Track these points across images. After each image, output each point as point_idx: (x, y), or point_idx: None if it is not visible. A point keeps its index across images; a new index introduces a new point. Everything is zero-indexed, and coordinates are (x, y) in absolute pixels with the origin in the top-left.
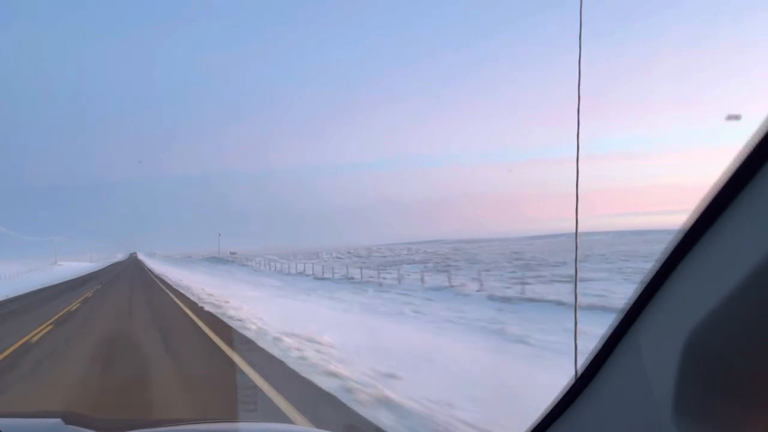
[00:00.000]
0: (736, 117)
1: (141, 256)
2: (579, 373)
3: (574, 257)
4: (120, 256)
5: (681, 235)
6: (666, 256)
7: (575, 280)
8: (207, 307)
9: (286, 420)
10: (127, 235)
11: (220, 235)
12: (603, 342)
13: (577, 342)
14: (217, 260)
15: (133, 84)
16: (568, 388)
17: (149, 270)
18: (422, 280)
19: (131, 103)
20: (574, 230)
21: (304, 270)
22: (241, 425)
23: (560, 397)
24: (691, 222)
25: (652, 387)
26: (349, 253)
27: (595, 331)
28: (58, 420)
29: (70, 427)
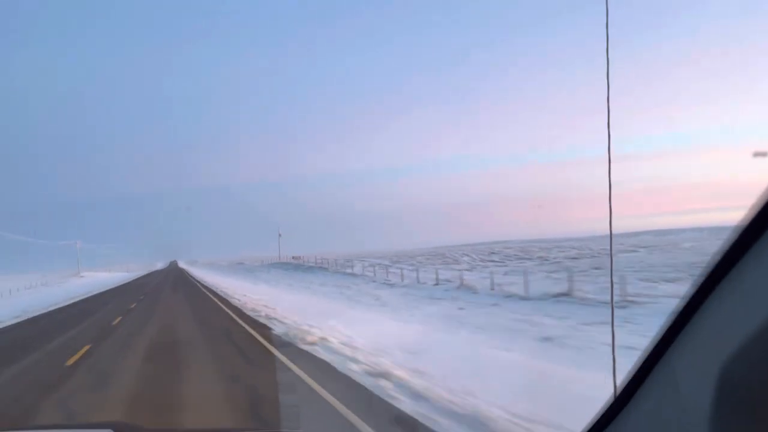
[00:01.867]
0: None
1: (182, 264)
2: (618, 392)
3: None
4: (160, 265)
5: (718, 257)
6: (704, 277)
7: (611, 288)
8: None
9: None
10: (167, 243)
11: (280, 235)
12: (641, 361)
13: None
14: (285, 267)
15: (168, 91)
16: (607, 407)
17: (199, 283)
18: None
19: (176, 111)
20: (610, 231)
21: (466, 281)
22: None
23: (599, 416)
24: (729, 244)
25: (687, 412)
26: (442, 255)
27: None
28: (109, 431)
29: None
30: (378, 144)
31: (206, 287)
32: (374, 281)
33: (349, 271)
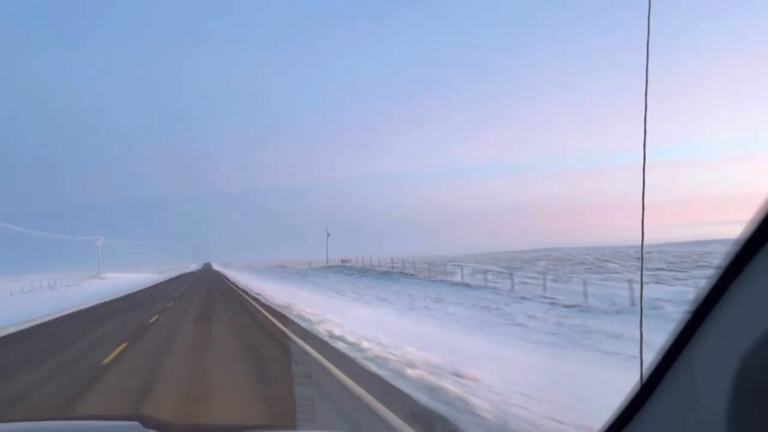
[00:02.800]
0: None
1: (216, 266)
2: (644, 380)
3: None
4: (194, 266)
5: (736, 250)
6: (723, 271)
7: (641, 287)
8: None
9: None
10: (200, 244)
11: (329, 235)
12: (662, 355)
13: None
14: (344, 271)
15: (202, 92)
16: (633, 395)
17: (247, 294)
18: None
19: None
20: (641, 240)
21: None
22: None
23: (626, 405)
24: (748, 236)
25: (705, 407)
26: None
27: None
28: (136, 423)
29: (148, 430)
30: (414, 148)
31: (263, 302)
32: (523, 297)
33: (451, 278)
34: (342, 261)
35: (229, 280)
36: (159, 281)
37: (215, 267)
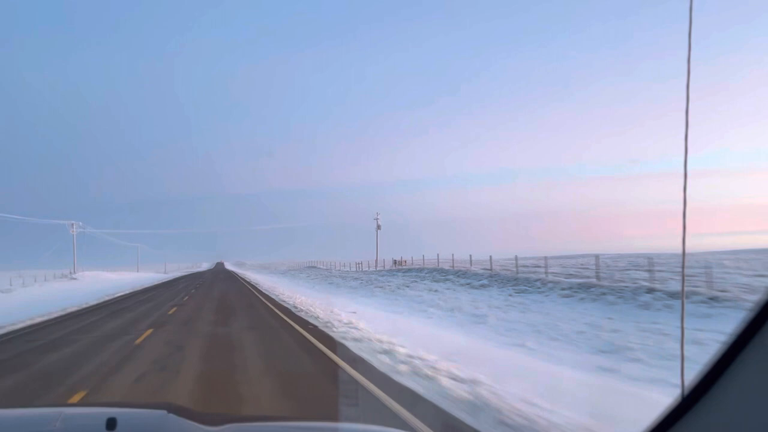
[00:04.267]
0: None
1: (230, 266)
2: (686, 392)
3: None
4: (206, 265)
5: None
6: None
7: (682, 295)
8: None
9: None
10: (213, 243)
11: (379, 227)
12: (715, 360)
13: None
14: (412, 275)
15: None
16: (673, 407)
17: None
18: None
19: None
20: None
21: None
22: (342, 425)
23: (663, 416)
24: None
25: (757, 419)
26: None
27: None
28: (164, 411)
29: (175, 416)
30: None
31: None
32: None
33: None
34: (396, 262)
35: (260, 293)
36: (145, 286)
37: (229, 267)
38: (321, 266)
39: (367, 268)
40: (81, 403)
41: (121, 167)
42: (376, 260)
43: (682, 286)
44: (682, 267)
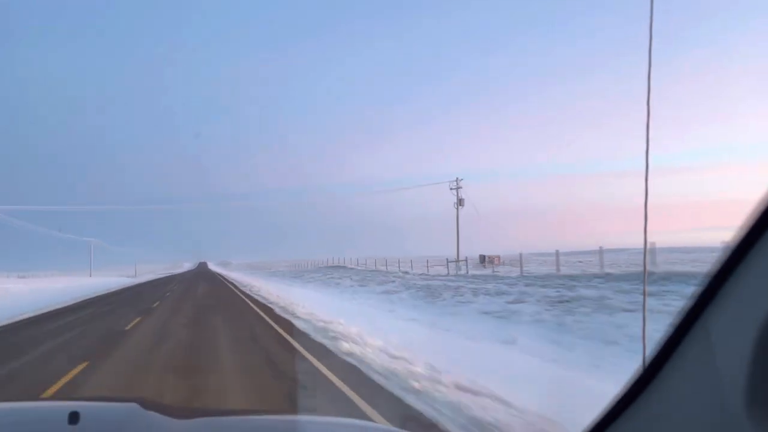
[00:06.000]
0: None
1: (214, 266)
2: (647, 362)
3: None
4: (188, 265)
5: (752, 222)
6: (738, 241)
7: (644, 276)
8: None
9: None
10: (195, 243)
11: (461, 203)
12: (672, 330)
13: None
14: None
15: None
16: (635, 379)
17: None
18: None
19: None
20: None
21: None
22: (308, 418)
23: (627, 388)
24: (762, 209)
25: (722, 375)
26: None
27: None
28: (135, 405)
29: (146, 411)
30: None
31: None
32: None
33: None
34: (484, 259)
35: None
36: (111, 291)
37: (212, 267)
38: (349, 265)
39: (432, 267)
40: (47, 398)
41: (100, 164)
42: (457, 256)
43: (644, 267)
44: (644, 254)
